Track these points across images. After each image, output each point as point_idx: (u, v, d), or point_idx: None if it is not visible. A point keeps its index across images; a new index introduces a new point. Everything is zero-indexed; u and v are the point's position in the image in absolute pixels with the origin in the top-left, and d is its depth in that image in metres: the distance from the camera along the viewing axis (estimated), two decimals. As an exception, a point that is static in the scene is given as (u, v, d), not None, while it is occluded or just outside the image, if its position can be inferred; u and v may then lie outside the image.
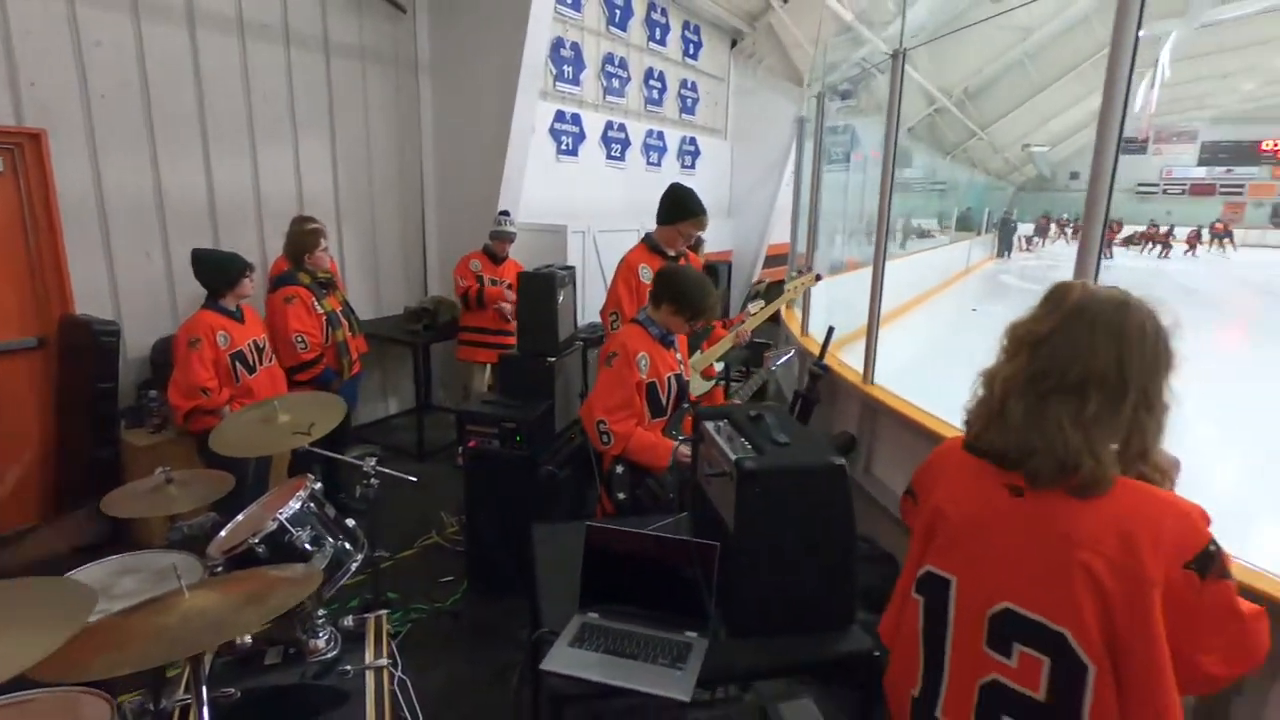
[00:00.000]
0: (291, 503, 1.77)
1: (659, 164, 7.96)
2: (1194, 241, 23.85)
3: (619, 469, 2.14)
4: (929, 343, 8.76)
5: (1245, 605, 0.96)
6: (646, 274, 2.85)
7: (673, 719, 1.29)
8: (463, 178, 5.22)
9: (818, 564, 1.47)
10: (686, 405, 2.27)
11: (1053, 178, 31.93)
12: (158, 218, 3.83)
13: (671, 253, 2.96)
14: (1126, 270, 18.75)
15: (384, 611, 1.86)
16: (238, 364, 2.83)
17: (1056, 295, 1.08)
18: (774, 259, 9.91)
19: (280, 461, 3.32)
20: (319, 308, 3.33)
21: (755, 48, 8.98)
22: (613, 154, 7.20)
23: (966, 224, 20.38)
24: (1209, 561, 0.93)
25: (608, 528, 1.60)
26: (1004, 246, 18.96)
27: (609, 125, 7.06)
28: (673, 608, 1.53)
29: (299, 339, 3.20)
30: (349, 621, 1.82)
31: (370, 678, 1.66)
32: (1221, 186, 30.28)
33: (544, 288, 2.87)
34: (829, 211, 9.10)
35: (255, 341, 2.93)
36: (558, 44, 6.26)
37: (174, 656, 1.20)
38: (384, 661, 1.69)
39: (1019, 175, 29.74)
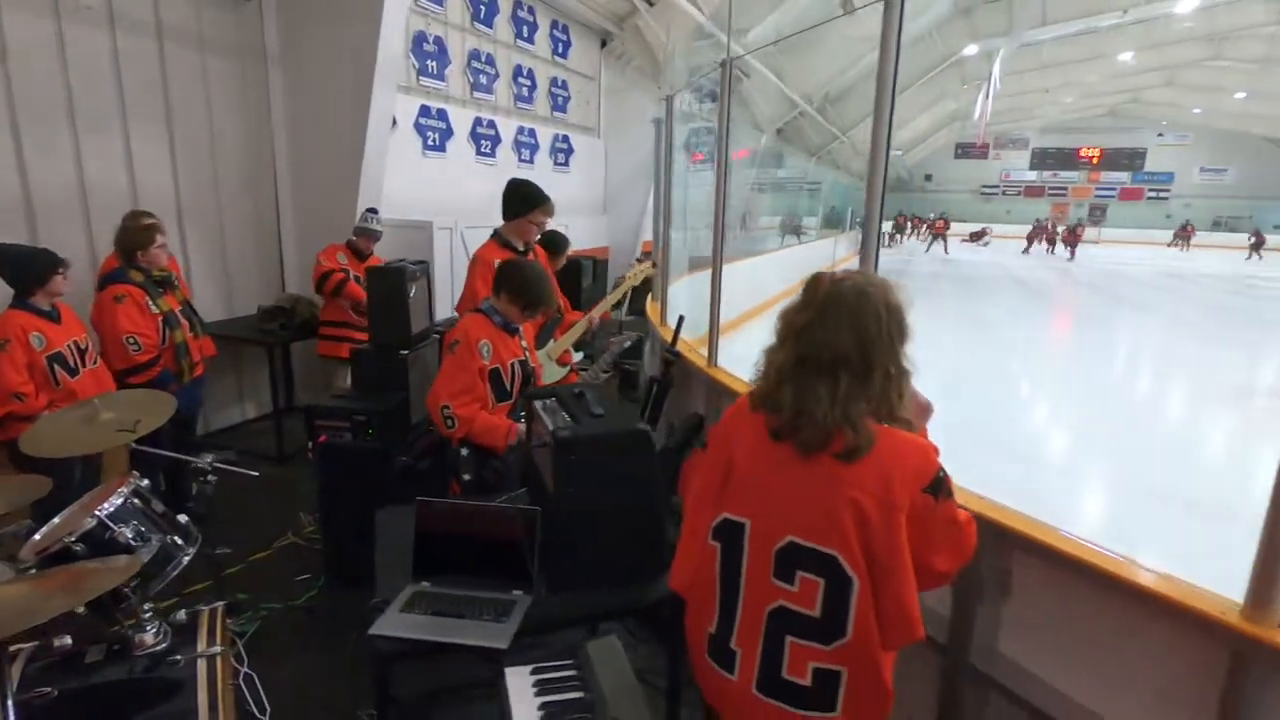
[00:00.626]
0: (113, 499, 1.74)
1: (531, 161, 8.02)
2: (1050, 237, 26.48)
3: (464, 451, 2.23)
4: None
5: (962, 514, 1.23)
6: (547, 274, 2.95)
7: (498, 668, 1.41)
8: (320, 173, 5.07)
9: (628, 522, 1.63)
10: (530, 389, 2.40)
11: (910, 179, 34.65)
12: (-39, 212, 3.51)
13: (521, 246, 3.07)
14: (967, 264, 20.69)
15: (219, 604, 1.86)
16: (56, 366, 2.66)
17: (811, 288, 1.27)
18: (651, 254, 10.23)
19: (117, 467, 3.15)
20: (154, 307, 3.17)
21: (624, 48, 9.21)
22: (483, 150, 7.19)
23: (833, 222, 21.75)
24: (940, 486, 1.18)
25: (435, 501, 1.69)
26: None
27: (478, 121, 7.05)
28: (500, 571, 1.66)
29: (130, 340, 3.04)
30: (181, 615, 1.81)
31: (203, 666, 1.67)
32: (1050, 188, 33.96)
33: (394, 282, 2.90)
34: (700, 209, 9.53)
35: (76, 342, 2.77)
36: (420, 38, 6.19)
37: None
38: (216, 649, 1.70)
39: (880, 176, 31.98)
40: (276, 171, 5.12)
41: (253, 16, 4.80)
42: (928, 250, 23.63)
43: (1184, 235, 28.63)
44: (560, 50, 8.33)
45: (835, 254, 18.13)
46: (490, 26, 7.06)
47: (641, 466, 1.62)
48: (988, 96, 18.36)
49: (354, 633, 1.57)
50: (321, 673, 2.44)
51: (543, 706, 1.30)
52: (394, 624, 1.52)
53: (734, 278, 8.66)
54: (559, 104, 8.48)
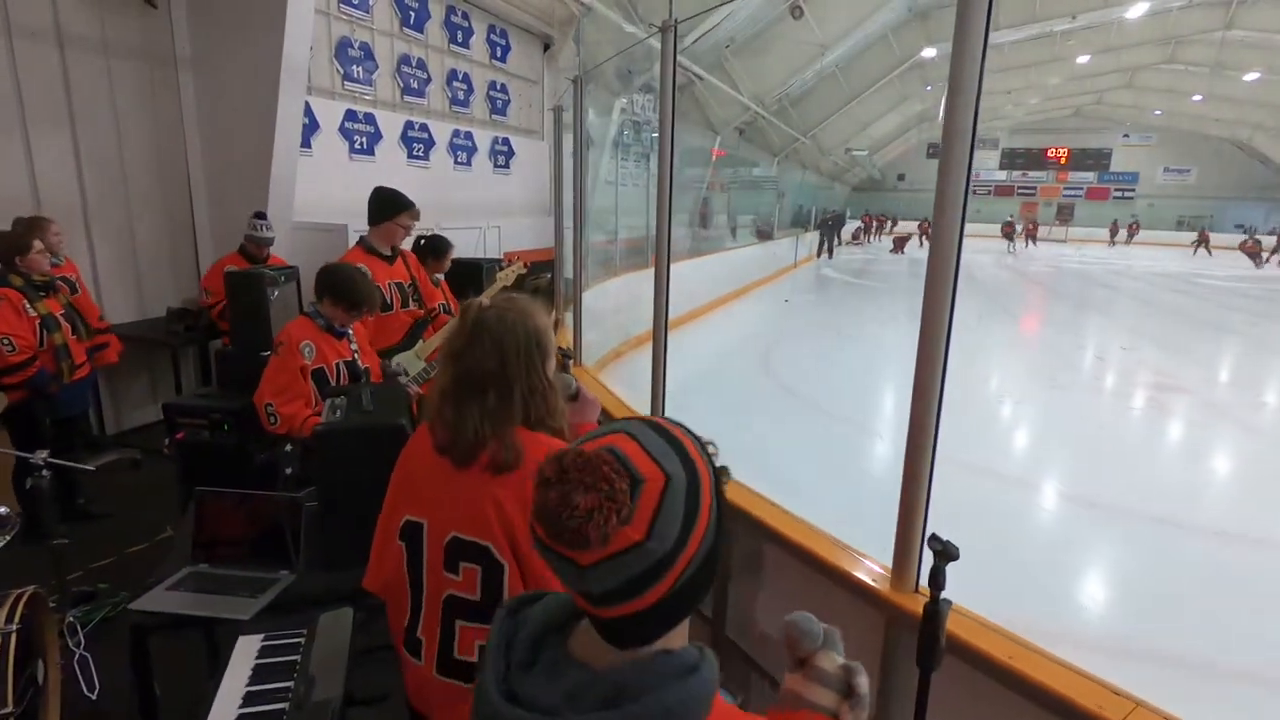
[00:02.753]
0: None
1: (469, 163, 8.15)
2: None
3: (288, 447, 2.38)
4: (739, 335, 9.53)
5: None
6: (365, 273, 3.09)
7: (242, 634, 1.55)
8: (234, 176, 5.18)
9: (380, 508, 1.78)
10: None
11: (882, 179, 35.06)
12: None
13: (387, 251, 3.22)
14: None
15: (30, 588, 1.99)
16: None
17: (465, 315, 1.38)
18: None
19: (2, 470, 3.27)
20: (31, 310, 3.29)
21: (560, 52, 9.35)
22: (415, 154, 7.31)
23: (798, 221, 22.00)
24: None
25: (215, 490, 1.85)
26: (826, 244, 20.49)
27: (409, 125, 7.16)
28: (269, 553, 1.81)
29: (5, 341, 3.15)
30: (-12, 599, 1.95)
31: (-4, 643, 1.81)
32: (1019, 188, 34.50)
33: (253, 286, 3.04)
34: (633, 208, 9.69)
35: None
36: (345, 43, 6.31)
37: None
38: (13, 627, 1.84)
39: (852, 176, 32.38)
40: (190, 174, 5.22)
41: (161, 22, 4.90)
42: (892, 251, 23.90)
43: (1127, 231, 29.48)
44: (499, 54, 8.46)
45: (797, 253, 18.40)
46: (421, 31, 7.18)
47: (395, 456, 1.78)
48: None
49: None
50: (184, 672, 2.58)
51: (255, 668, 1.45)
52: (155, 601, 1.67)
53: (685, 275, 8.83)
54: (498, 107, 8.61)
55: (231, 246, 4.80)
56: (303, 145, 5.88)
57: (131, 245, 4.93)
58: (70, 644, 2.42)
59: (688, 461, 0.67)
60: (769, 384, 7.17)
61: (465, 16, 7.80)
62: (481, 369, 1.31)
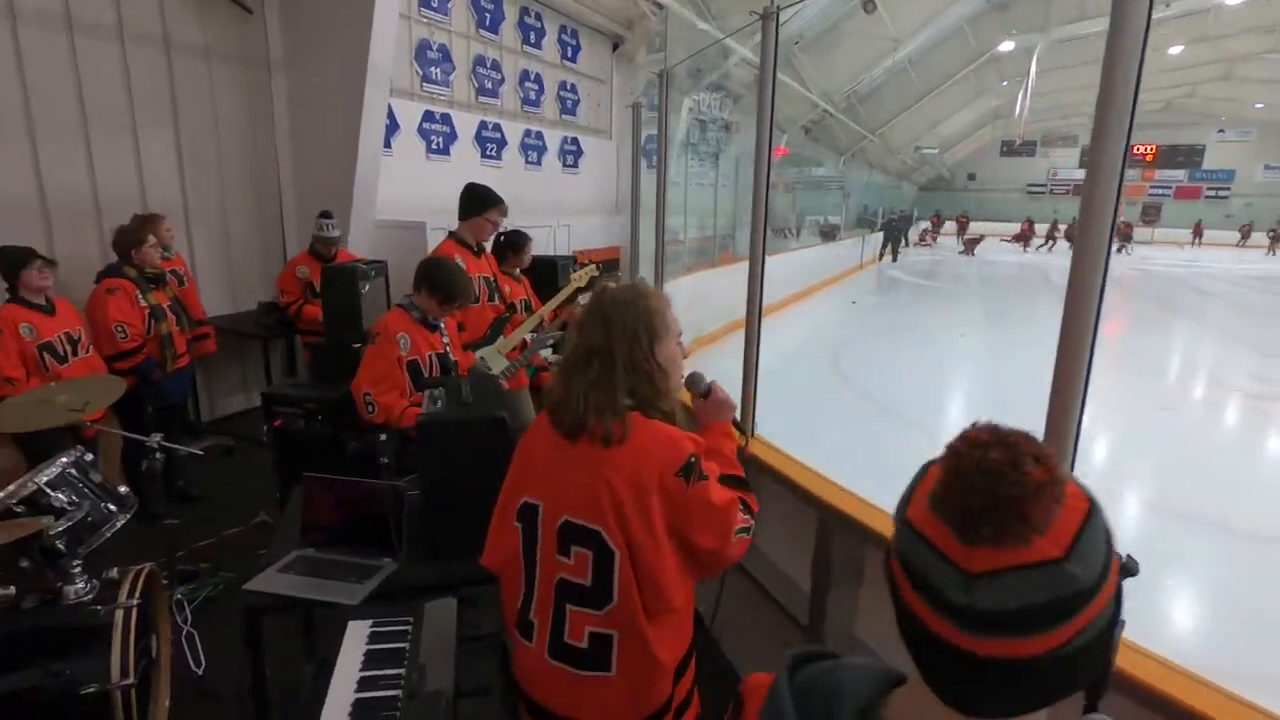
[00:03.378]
0: (52, 469, 1.98)
1: (539, 163, 8.24)
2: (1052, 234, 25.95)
3: (383, 436, 2.43)
4: (804, 338, 9.35)
5: (719, 496, 1.33)
6: (463, 267, 3.15)
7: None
8: (320, 175, 5.36)
9: (483, 499, 1.79)
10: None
11: (952, 178, 33.91)
12: (-20, 213, 3.86)
13: (476, 244, 3.26)
14: (1000, 264, 20.20)
15: (147, 565, 2.09)
16: (46, 355, 2.96)
17: (592, 295, 1.46)
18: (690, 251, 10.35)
19: (112, 444, 3.46)
20: (143, 301, 3.47)
21: (635, 51, 9.36)
22: (488, 153, 7.44)
23: (864, 221, 21.49)
24: (690, 470, 1.29)
25: (322, 477, 1.89)
26: (891, 245, 19.89)
27: (483, 125, 7.29)
28: (373, 540, 1.84)
29: (118, 329, 3.34)
30: (114, 573, 2.04)
31: (120, 616, 1.90)
32: (1100, 187, 32.77)
33: (347, 281, 3.13)
34: (697, 208, 9.63)
35: (68, 333, 3.07)
36: (424, 45, 6.46)
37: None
38: (134, 601, 1.93)
39: (920, 175, 31.45)
40: (280, 174, 5.44)
41: (257, 29, 5.11)
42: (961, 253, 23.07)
43: (1240, 233, 27.51)
44: (569, 54, 8.53)
45: (863, 254, 17.96)
46: (495, 33, 7.30)
47: (496, 448, 1.78)
48: (1026, 93, 17.95)
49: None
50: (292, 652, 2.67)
51: (368, 652, 1.47)
52: (268, 583, 1.71)
53: (733, 277, 8.72)
54: (568, 107, 8.68)
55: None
56: (384, 146, 6.06)
57: (226, 241, 5.16)
58: (178, 620, 2.54)
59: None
60: (840, 386, 7.00)
61: (538, 17, 7.89)
62: (590, 343, 1.36)
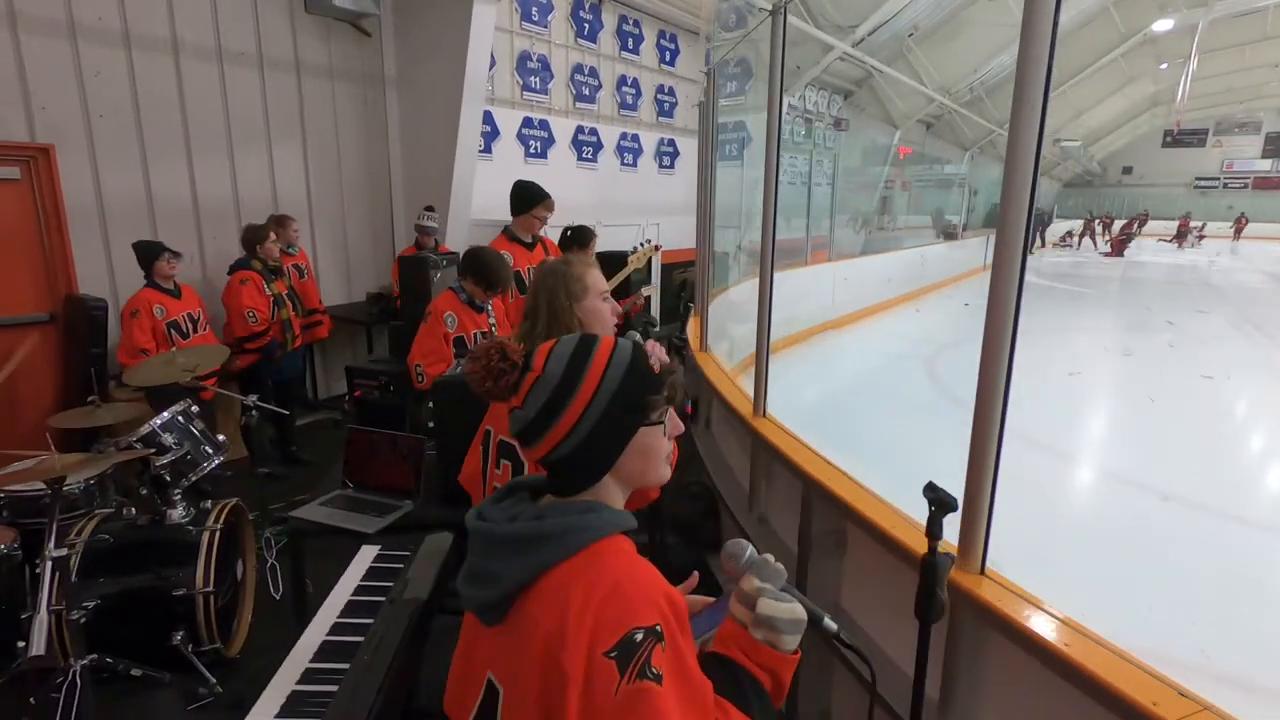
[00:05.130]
0: (163, 415, 2.44)
1: (634, 164, 8.54)
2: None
3: (429, 403, 2.75)
4: (907, 340, 9.04)
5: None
6: (507, 259, 3.45)
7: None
8: (425, 180, 5.92)
9: (488, 450, 2.03)
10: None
11: (1103, 172, 31.01)
12: (148, 216, 4.63)
13: (528, 239, 3.55)
14: (1153, 266, 18.27)
15: (234, 500, 2.50)
16: (173, 331, 3.56)
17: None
18: (780, 251, 10.32)
19: (229, 410, 4.07)
20: (268, 290, 4.05)
21: (734, 51, 9.43)
22: (584, 156, 7.81)
23: (992, 220, 20.14)
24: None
25: (361, 429, 2.21)
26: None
27: (579, 130, 7.67)
28: (399, 484, 2.13)
29: (250, 314, 3.93)
30: (207, 504, 2.48)
31: (206, 537, 2.31)
32: (1287, 179, 28.85)
33: (419, 268, 3.51)
34: (792, 207, 9.53)
35: (190, 314, 3.67)
36: (524, 56, 6.92)
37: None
38: (218, 526, 2.34)
39: (1063, 170, 29.02)
40: (391, 178, 6.05)
41: (374, 48, 5.73)
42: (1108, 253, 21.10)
43: None
44: (667, 59, 8.76)
45: (987, 255, 16.90)
46: (594, 42, 7.67)
47: (499, 408, 2.02)
48: (1187, 76, 16.27)
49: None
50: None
51: (369, 569, 1.75)
52: (309, 512, 2.05)
53: (853, 274, 8.58)
54: (665, 109, 8.91)
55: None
56: (485, 151, 6.56)
57: (344, 239, 5.82)
58: (264, 554, 2.98)
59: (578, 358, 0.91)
60: (933, 392, 6.73)
61: (636, 24, 8.18)
62: (528, 306, 1.66)
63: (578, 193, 7.65)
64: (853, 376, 6.64)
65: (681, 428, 0.95)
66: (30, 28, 4.03)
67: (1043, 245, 20.74)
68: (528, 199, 3.47)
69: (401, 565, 1.77)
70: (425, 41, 5.61)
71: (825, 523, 2.00)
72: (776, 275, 7.49)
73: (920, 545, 1.35)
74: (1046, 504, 3.67)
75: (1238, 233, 23.88)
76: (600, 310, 1.63)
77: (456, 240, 5.74)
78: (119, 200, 4.49)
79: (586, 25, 7.52)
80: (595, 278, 1.65)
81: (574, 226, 4.44)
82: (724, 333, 4.66)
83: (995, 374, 1.40)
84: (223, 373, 4.12)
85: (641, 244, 3.86)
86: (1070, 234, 24.94)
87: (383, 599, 1.62)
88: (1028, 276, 1.38)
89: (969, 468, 1.48)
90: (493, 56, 6.50)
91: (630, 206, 8.17)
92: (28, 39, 4.03)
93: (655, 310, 6.24)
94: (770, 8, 2.41)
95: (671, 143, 9.06)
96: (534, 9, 6.86)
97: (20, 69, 4.02)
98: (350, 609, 1.59)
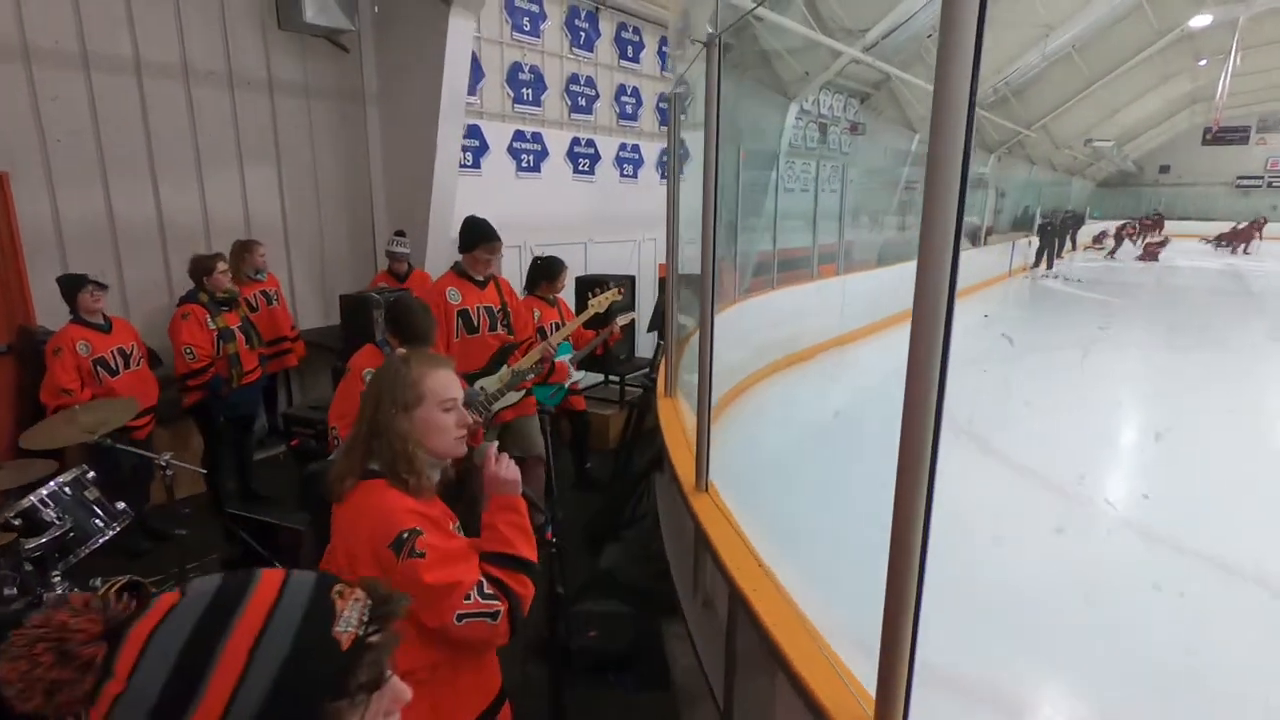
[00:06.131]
0: (50, 485, 2.25)
1: (635, 175, 8.27)
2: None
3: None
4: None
5: (434, 576, 1.28)
6: (455, 296, 3.22)
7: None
8: (406, 198, 5.73)
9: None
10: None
11: (1140, 172, 29.92)
12: (110, 243, 4.49)
13: (479, 277, 3.31)
14: (1190, 272, 17.49)
15: (122, 579, 2.31)
16: (99, 368, 3.39)
17: None
18: (784, 263, 10.01)
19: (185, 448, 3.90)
20: (212, 324, 3.87)
21: (740, 58, 9.12)
22: (580, 169, 7.57)
23: (1021, 224, 19.51)
24: (400, 545, 1.27)
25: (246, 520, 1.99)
26: (1046, 250, 17.82)
27: (575, 141, 7.43)
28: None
29: (187, 350, 3.76)
30: (97, 582, 2.29)
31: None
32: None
33: (359, 309, 3.30)
34: (803, 216, 9.19)
35: (120, 349, 3.49)
36: (516, 68, 6.69)
37: None
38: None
39: (1096, 170, 28.06)
40: (373, 197, 5.86)
41: (352, 64, 5.54)
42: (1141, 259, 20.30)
43: None
44: (669, 66, 8.47)
45: (1012, 261, 16.33)
46: (591, 51, 7.41)
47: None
48: (1227, 73, 15.57)
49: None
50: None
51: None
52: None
53: (865, 287, 8.21)
54: (667, 118, 8.61)
55: (413, 263, 5.33)
56: (473, 166, 6.35)
57: (321, 261, 5.65)
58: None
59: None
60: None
61: (636, 32, 7.91)
62: (361, 405, 1.45)
63: (573, 207, 7.42)
64: (846, 399, 6.26)
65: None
66: (-19, 52, 3.90)
67: (1073, 248, 20.01)
68: (469, 238, 3.25)
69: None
70: (404, 56, 5.41)
71: (751, 649, 1.73)
72: (782, 290, 7.05)
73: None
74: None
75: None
76: (438, 424, 1.38)
77: (438, 262, 5.53)
78: (78, 227, 4.35)
79: (583, 34, 7.27)
80: (437, 381, 1.40)
81: (543, 258, 4.21)
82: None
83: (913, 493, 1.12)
84: (169, 411, 3.98)
85: (594, 291, 3.60)
86: (1104, 235, 24.06)
87: None
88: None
89: (886, 600, 1.21)
90: (481, 69, 6.30)
91: (630, 219, 7.91)
92: (-23, 65, 3.90)
93: (641, 335, 5.97)
94: (704, 40, 2.15)
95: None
96: (525, 19, 6.62)
97: (-30, 96, 3.90)
98: None
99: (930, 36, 11.42)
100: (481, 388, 3.13)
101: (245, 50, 4.95)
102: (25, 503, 2.20)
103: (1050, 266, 17.47)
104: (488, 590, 1.30)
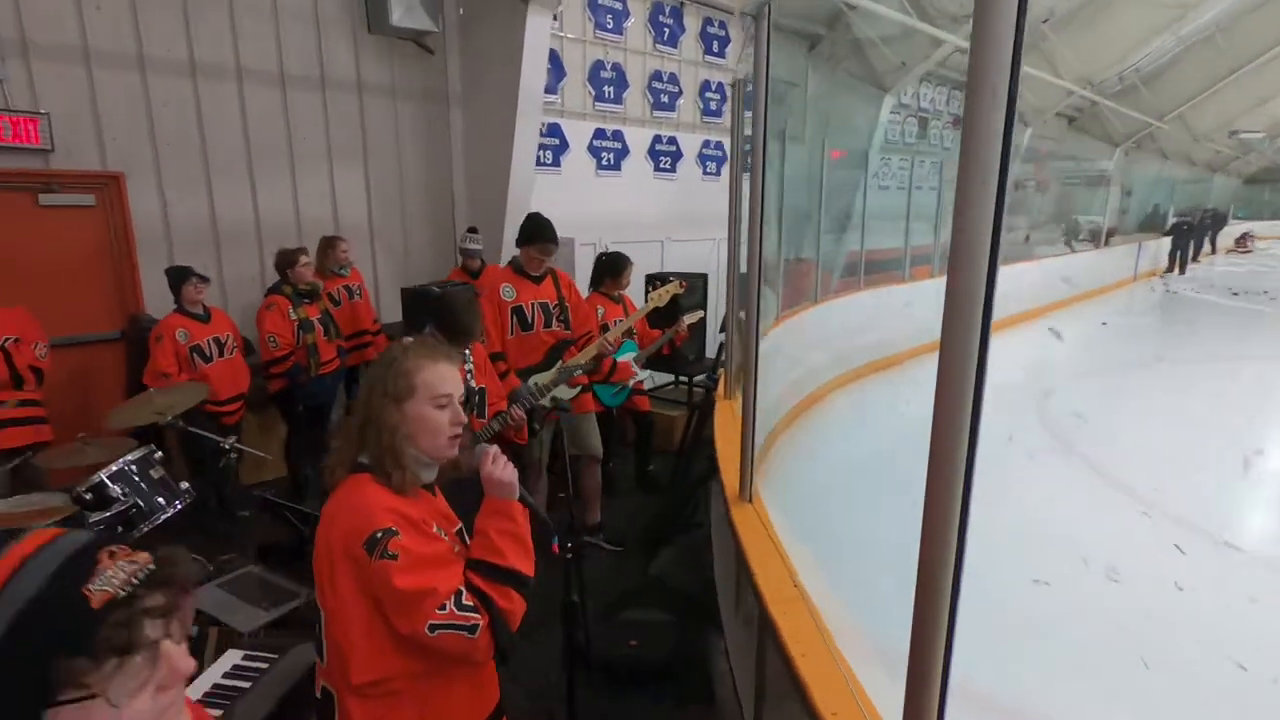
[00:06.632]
0: (116, 464, 2.37)
1: (717, 173, 8.10)
2: None
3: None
4: (1016, 369, 7.99)
5: (404, 581, 1.19)
6: (509, 292, 3.20)
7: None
8: (485, 197, 5.83)
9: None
10: (469, 408, 2.60)
11: (1299, 166, 26.72)
12: (212, 238, 4.80)
13: (534, 273, 3.27)
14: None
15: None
16: (195, 355, 3.60)
17: None
18: (874, 264, 9.57)
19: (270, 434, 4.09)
20: (293, 314, 4.04)
21: (833, 50, 8.77)
22: (661, 166, 7.48)
23: (1151, 224, 17.83)
24: (374, 545, 1.20)
25: (276, 501, 2.00)
26: (1180, 253, 16.14)
27: (657, 139, 7.35)
28: (305, 569, 1.91)
29: (270, 339, 3.94)
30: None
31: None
32: None
33: (419, 300, 3.31)
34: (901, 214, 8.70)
35: (216, 338, 3.69)
36: (598, 66, 6.68)
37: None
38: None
39: (1243, 165, 25.29)
40: (454, 196, 6.00)
41: (438, 66, 5.69)
42: None
43: None
44: (740, 54, 8.25)
45: (1138, 264, 14.91)
46: (674, 47, 7.31)
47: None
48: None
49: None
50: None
51: (215, 684, 1.52)
52: (200, 595, 1.86)
53: (922, 294, 7.72)
54: (748, 104, 8.39)
55: (486, 259, 5.42)
56: (552, 165, 6.40)
57: (404, 257, 5.83)
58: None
59: None
60: (1039, 435, 5.73)
61: (722, 26, 7.75)
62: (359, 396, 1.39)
63: (652, 204, 7.34)
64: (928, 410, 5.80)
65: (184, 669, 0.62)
66: (103, 62, 4.24)
67: (1212, 251, 18.10)
68: (527, 233, 3.22)
69: (250, 682, 1.52)
70: (486, 56, 5.50)
71: (778, 673, 1.57)
72: (869, 291, 6.70)
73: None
74: None
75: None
76: (429, 420, 1.31)
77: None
78: (184, 224, 4.67)
79: (666, 30, 7.18)
80: (434, 374, 1.32)
81: (608, 253, 4.14)
82: (776, 369, 4.19)
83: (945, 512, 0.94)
84: (258, 396, 4.19)
85: (656, 284, 3.49)
86: (1247, 236, 21.64)
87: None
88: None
89: (915, 616, 1.03)
90: (563, 68, 6.33)
91: (710, 217, 7.70)
92: (100, 73, 4.24)
93: (714, 336, 5.79)
94: (746, 12, 1.99)
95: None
96: (608, 17, 6.61)
97: (93, 102, 4.25)
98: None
99: (1046, 21, 10.61)
100: (535, 383, 3.09)
101: (337, 55, 5.17)
102: (95, 479, 2.34)
103: (1184, 271, 15.85)
104: (466, 601, 1.21)
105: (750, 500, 2.14)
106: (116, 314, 4.54)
